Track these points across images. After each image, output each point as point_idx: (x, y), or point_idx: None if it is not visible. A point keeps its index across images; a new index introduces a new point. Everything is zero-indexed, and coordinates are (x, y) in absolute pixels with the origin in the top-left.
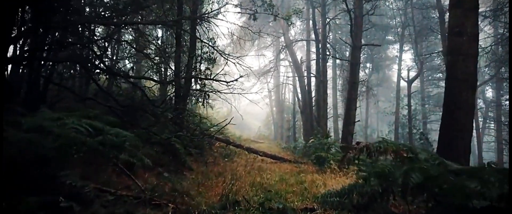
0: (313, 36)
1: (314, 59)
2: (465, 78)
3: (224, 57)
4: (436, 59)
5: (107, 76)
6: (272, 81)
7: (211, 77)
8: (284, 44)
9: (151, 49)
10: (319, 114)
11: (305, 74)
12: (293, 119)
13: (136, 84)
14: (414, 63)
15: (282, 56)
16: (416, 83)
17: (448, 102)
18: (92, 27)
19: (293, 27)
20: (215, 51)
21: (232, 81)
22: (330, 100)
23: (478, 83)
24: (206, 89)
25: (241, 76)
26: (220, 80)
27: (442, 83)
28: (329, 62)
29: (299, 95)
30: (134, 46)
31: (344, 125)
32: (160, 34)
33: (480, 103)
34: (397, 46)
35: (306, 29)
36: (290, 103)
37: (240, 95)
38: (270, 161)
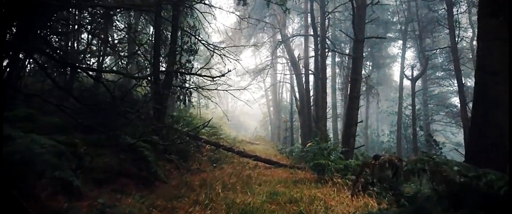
0: (311, 31)
1: (312, 56)
2: (501, 68)
3: (208, 49)
4: (439, 57)
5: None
6: (268, 79)
7: (194, 72)
8: (281, 40)
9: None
10: (318, 114)
11: (303, 71)
12: (291, 119)
13: (97, 78)
14: (417, 61)
15: (279, 53)
16: (418, 82)
17: (481, 100)
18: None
19: (289, 14)
20: (197, 40)
21: (218, 76)
22: (329, 99)
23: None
24: (187, 85)
25: (229, 71)
26: (204, 76)
27: (446, 83)
28: (328, 60)
29: (297, 94)
30: (97, 33)
31: (345, 126)
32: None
33: None
34: (397, 43)
35: (304, 25)
36: (287, 103)
37: (238, 94)
38: (263, 166)
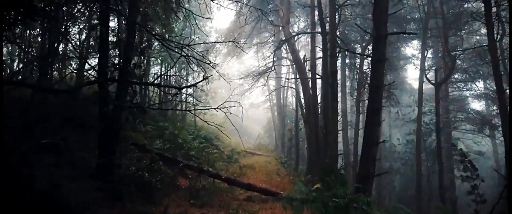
0: (319, 29)
1: (320, 57)
2: None
3: (168, 47)
4: (459, 58)
5: None
6: (271, 82)
7: (147, 82)
8: (284, 39)
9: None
10: (327, 127)
11: (310, 75)
12: (296, 131)
13: None
14: (434, 62)
15: (283, 55)
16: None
17: None
18: None
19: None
20: (153, 36)
21: (185, 87)
22: (338, 106)
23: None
24: (138, 99)
25: (205, 79)
26: (162, 86)
27: (467, 86)
28: (337, 62)
29: (302, 101)
30: None
31: (364, 146)
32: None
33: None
34: (411, 43)
35: (311, 21)
36: (292, 109)
37: (242, 97)
38: (258, 197)
